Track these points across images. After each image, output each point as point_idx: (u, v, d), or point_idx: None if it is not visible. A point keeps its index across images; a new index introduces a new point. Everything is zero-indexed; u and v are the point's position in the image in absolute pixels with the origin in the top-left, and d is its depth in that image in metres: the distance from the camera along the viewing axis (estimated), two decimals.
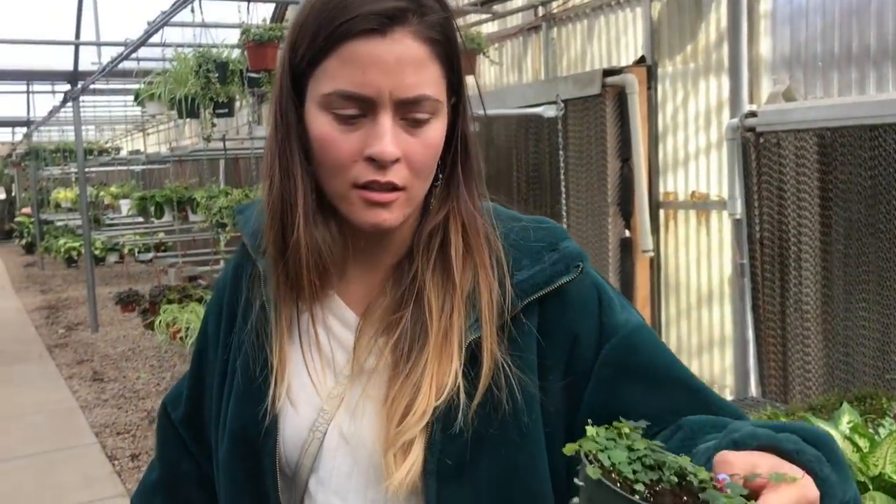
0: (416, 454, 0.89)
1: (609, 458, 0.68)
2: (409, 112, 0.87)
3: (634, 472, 0.67)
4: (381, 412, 0.91)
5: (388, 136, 0.85)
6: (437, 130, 0.90)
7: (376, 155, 0.86)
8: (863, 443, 1.86)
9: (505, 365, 0.90)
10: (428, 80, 0.87)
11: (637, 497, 0.64)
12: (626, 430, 0.71)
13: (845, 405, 2.03)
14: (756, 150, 3.71)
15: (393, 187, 0.88)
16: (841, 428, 1.93)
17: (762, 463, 0.67)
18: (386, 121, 0.86)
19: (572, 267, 0.93)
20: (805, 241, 3.54)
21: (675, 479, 0.67)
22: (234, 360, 1.03)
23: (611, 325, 0.93)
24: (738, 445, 0.72)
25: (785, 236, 3.63)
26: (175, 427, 1.20)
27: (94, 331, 9.16)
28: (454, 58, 0.91)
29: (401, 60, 0.84)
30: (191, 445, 1.18)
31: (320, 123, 0.88)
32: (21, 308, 10.98)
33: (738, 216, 3.82)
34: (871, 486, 1.78)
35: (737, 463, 0.67)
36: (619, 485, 0.65)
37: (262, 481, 0.98)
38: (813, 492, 0.67)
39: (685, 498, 0.65)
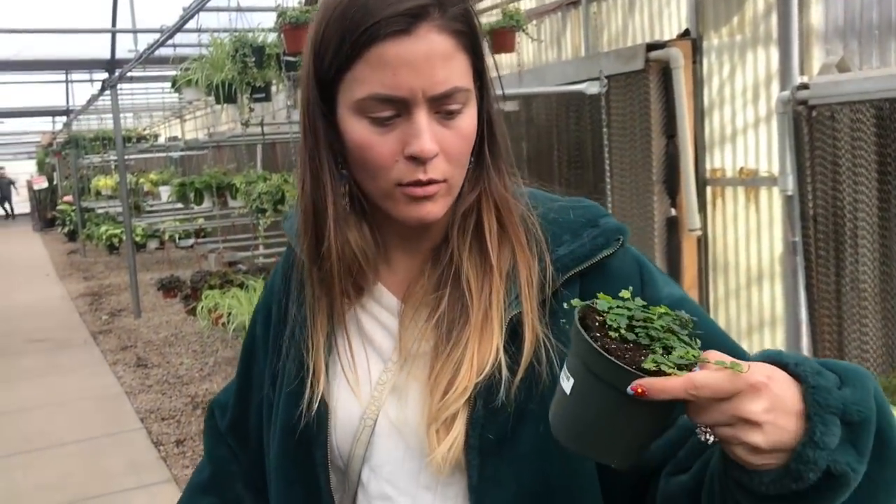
0: (459, 429, 0.90)
1: (611, 317, 0.72)
2: (441, 106, 0.88)
3: (620, 331, 0.71)
4: (425, 391, 0.93)
5: (426, 134, 0.87)
6: (470, 119, 0.91)
7: (417, 154, 0.87)
8: None
9: (546, 340, 0.91)
10: (457, 72, 0.88)
11: (598, 345, 0.69)
12: (644, 305, 0.75)
13: None
14: (809, 123, 3.58)
15: (434, 181, 0.90)
16: None
17: (736, 359, 0.68)
18: (422, 119, 0.87)
19: (612, 241, 0.94)
20: (862, 217, 3.41)
21: (654, 346, 0.70)
22: (284, 360, 1.03)
23: (654, 298, 0.92)
24: (744, 358, 0.72)
25: (840, 212, 3.51)
26: (222, 434, 1.19)
27: (137, 317, 9.26)
28: (477, 44, 0.92)
29: (429, 57, 0.85)
30: (238, 452, 1.17)
31: (357, 129, 0.89)
32: (65, 295, 11.14)
33: (789, 192, 3.70)
34: None
35: (715, 356, 0.69)
36: (595, 339, 0.69)
37: (314, 476, 0.99)
38: (757, 378, 0.65)
39: (632, 353, 0.69)
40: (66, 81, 12.90)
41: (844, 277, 3.52)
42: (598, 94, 4.02)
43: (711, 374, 0.66)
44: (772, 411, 0.65)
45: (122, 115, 9.30)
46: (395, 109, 0.87)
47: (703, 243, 4.43)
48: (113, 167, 13.87)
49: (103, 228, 12.83)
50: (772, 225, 4.05)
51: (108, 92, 9.14)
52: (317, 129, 0.93)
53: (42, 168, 23.72)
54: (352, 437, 0.97)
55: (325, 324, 0.99)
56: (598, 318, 0.74)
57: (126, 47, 9.03)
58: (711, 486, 0.76)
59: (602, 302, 0.75)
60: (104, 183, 12.72)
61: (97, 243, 13.46)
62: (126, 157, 9.47)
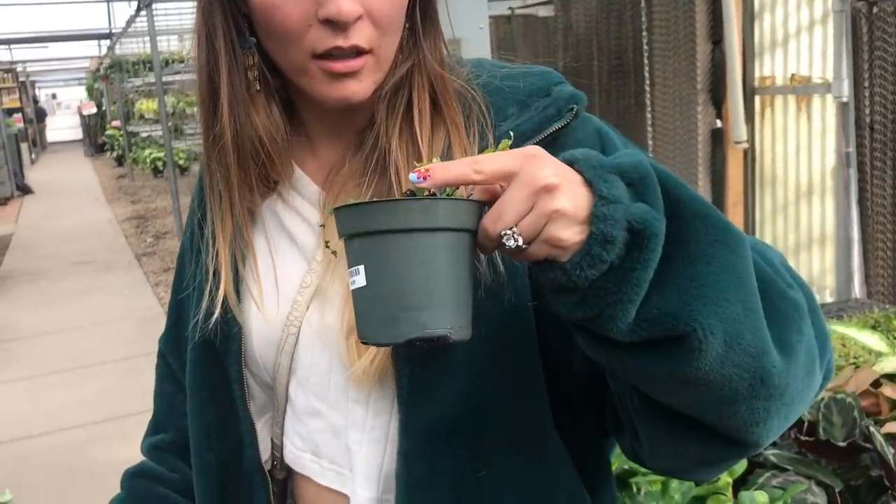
0: None
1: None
2: None
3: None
4: (348, 295, 0.80)
5: None
6: None
7: (333, 16, 0.73)
8: None
9: None
10: None
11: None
12: None
13: None
14: (868, 22, 3.28)
15: (358, 51, 0.76)
16: None
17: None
18: None
19: (565, 111, 0.81)
20: None
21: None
22: (194, 270, 0.92)
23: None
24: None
25: None
26: (164, 357, 1.07)
27: (181, 239, 9.31)
28: None
29: None
30: (178, 374, 1.04)
31: None
32: (112, 218, 11.28)
33: (844, 99, 3.43)
34: None
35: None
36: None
37: (228, 392, 0.89)
38: (531, 149, 0.63)
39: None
40: (107, 1, 12.78)
41: None
42: None
43: (490, 153, 0.64)
44: (560, 175, 0.61)
45: (164, 38, 9.18)
46: None
47: (749, 156, 4.18)
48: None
49: (147, 152, 12.89)
50: (824, 136, 3.79)
51: (143, 12, 9.00)
52: None
53: (91, 93, 23.90)
54: (275, 346, 0.86)
55: (229, 223, 0.86)
56: None
57: None
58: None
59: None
60: (147, 106, 12.73)
61: (143, 167, 13.55)
62: (165, 79, 9.37)
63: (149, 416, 1.12)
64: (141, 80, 12.58)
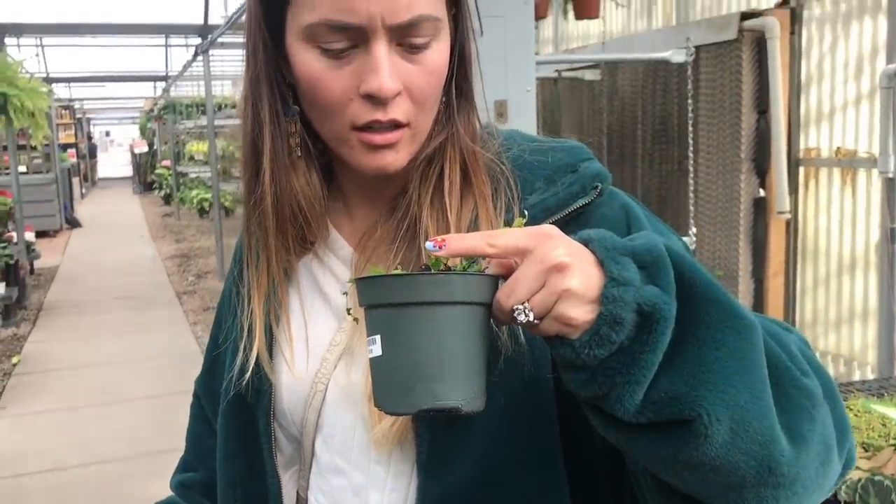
0: None
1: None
2: (405, 37, 0.77)
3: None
4: None
5: (384, 69, 0.76)
6: (439, 53, 0.80)
7: (374, 91, 0.77)
8: None
9: None
10: None
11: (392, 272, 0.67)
12: None
13: None
14: None
15: (396, 125, 0.79)
16: None
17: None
18: (380, 51, 0.76)
19: (590, 188, 0.84)
20: None
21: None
22: (229, 327, 0.96)
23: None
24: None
25: None
26: (198, 398, 1.11)
27: (222, 279, 9.44)
28: None
29: None
30: (210, 417, 1.07)
31: (307, 60, 0.79)
32: (156, 255, 11.49)
33: (890, 175, 3.42)
34: None
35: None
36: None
37: (257, 447, 0.91)
38: (546, 228, 0.66)
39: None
40: (165, 46, 13.20)
41: None
42: (684, 63, 3.78)
43: (505, 229, 0.67)
44: (572, 255, 0.64)
45: (218, 82, 9.44)
46: (351, 39, 0.77)
47: (792, 227, 4.16)
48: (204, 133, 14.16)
49: (195, 192, 13.15)
50: (869, 210, 3.76)
51: (200, 57, 9.29)
52: (258, 58, 0.83)
53: (144, 132, 24.51)
54: (303, 402, 0.89)
55: (264, 282, 0.89)
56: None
57: (219, 13, 9.13)
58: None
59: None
60: (197, 148, 13.01)
61: (189, 207, 13.81)
62: (217, 122, 9.62)
63: (178, 454, 1.16)
64: (193, 122, 12.89)
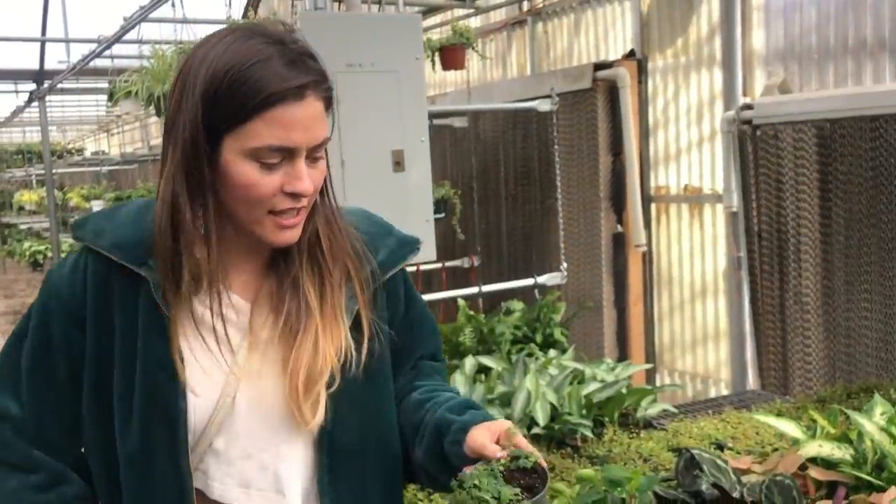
0: (322, 400, 1.17)
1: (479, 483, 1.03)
2: (313, 152, 1.13)
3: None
4: (284, 374, 1.17)
5: (306, 178, 1.11)
6: (324, 158, 1.17)
7: (299, 192, 1.11)
8: None
9: (375, 321, 1.23)
10: (325, 126, 1.14)
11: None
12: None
13: (877, 397, 2.00)
14: (753, 142, 3.70)
15: (303, 210, 1.15)
16: (875, 419, 1.91)
17: (491, 433, 1.14)
18: (302, 164, 1.11)
19: (416, 248, 1.31)
20: (805, 233, 3.54)
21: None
22: (123, 361, 1.16)
23: (412, 291, 1.35)
24: (468, 426, 1.16)
25: (784, 228, 3.63)
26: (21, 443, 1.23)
27: None
28: (331, 102, 1.18)
29: (314, 119, 1.11)
30: (39, 459, 1.22)
31: (245, 170, 1.10)
32: None
33: (734, 209, 3.82)
34: None
35: (488, 445, 1.12)
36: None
37: (175, 457, 1.16)
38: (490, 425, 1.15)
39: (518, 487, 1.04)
40: None
41: (788, 291, 3.64)
42: (549, 111, 4.08)
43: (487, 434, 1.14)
44: None
45: (53, 127, 9.00)
46: (282, 156, 1.10)
47: (648, 258, 4.52)
48: (35, 181, 13.41)
49: (27, 244, 12.39)
50: (715, 241, 4.17)
51: (35, 103, 8.86)
52: (200, 160, 1.10)
53: None
54: (206, 420, 1.16)
55: (177, 328, 1.15)
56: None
57: (56, 58, 8.75)
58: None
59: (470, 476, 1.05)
60: (28, 197, 12.29)
61: (19, 260, 12.98)
62: (54, 170, 9.17)
63: None
64: (23, 170, 12.19)
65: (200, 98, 1.09)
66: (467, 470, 1.06)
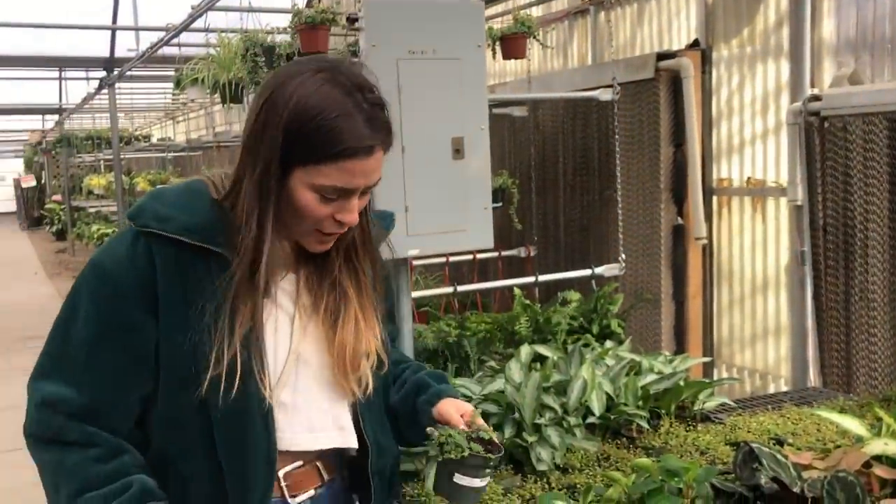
0: (367, 378, 1.46)
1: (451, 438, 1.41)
2: (366, 190, 1.35)
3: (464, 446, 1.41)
4: (327, 351, 1.43)
5: (356, 211, 1.35)
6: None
7: (347, 222, 1.35)
8: None
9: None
10: (380, 171, 1.34)
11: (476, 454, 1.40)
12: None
13: None
14: (820, 134, 3.62)
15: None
16: None
17: (458, 408, 1.51)
18: (355, 200, 1.33)
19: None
20: (872, 228, 3.45)
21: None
22: (208, 330, 1.29)
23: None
24: (442, 394, 1.54)
25: (850, 223, 3.54)
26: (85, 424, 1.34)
27: None
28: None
29: (374, 168, 1.32)
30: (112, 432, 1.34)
31: (307, 197, 1.30)
32: (55, 294, 11.03)
33: (798, 202, 3.74)
34: None
35: (455, 416, 1.48)
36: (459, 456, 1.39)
37: (264, 414, 1.35)
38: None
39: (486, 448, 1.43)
40: (60, 79, 12.80)
41: (854, 287, 3.55)
42: (610, 101, 4.04)
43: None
44: None
45: (121, 114, 9.23)
46: (340, 193, 1.31)
47: (708, 252, 4.46)
48: (103, 167, 13.77)
49: (95, 227, 12.74)
50: (778, 235, 4.09)
51: (105, 90, 9.10)
52: (271, 183, 1.29)
53: (30, 166, 23.53)
54: (277, 378, 1.38)
55: (250, 310, 1.33)
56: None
57: (125, 46, 8.98)
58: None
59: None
60: (97, 182, 12.64)
61: (87, 242, 13.36)
62: (122, 156, 9.41)
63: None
64: (93, 156, 12.53)
65: (283, 131, 1.26)
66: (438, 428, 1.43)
